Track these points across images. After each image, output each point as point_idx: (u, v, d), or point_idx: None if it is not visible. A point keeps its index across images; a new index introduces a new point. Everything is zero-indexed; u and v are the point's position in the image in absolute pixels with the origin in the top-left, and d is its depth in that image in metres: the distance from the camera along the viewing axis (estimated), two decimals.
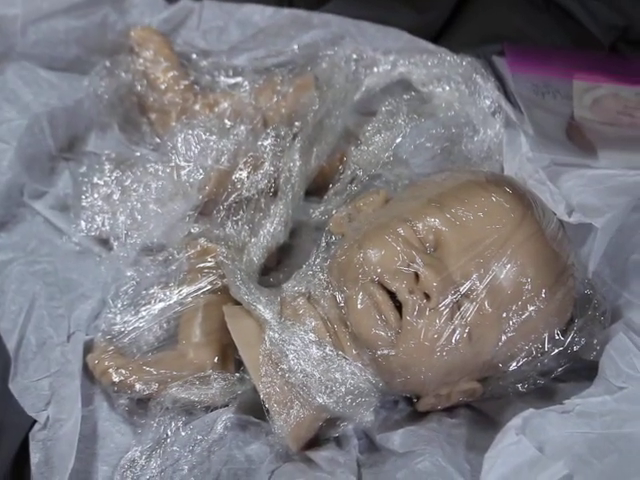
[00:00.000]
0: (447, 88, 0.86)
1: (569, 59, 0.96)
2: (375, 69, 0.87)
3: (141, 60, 0.87)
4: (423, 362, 0.65)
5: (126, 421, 0.70)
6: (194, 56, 0.90)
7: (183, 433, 0.68)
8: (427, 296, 0.64)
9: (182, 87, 0.87)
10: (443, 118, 0.85)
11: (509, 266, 0.65)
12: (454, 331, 0.65)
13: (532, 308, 0.66)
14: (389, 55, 0.87)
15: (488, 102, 0.85)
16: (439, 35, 0.99)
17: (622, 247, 0.75)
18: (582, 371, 0.72)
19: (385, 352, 0.65)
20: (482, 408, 0.74)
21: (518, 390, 0.71)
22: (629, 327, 0.69)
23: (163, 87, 0.87)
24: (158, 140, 0.86)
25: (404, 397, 0.74)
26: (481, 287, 0.65)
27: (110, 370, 0.70)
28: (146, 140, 0.88)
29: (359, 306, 0.66)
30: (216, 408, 0.70)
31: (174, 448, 0.67)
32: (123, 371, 0.69)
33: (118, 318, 0.75)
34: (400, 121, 0.83)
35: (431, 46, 0.89)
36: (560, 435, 0.61)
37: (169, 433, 0.68)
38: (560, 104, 0.89)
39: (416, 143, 0.84)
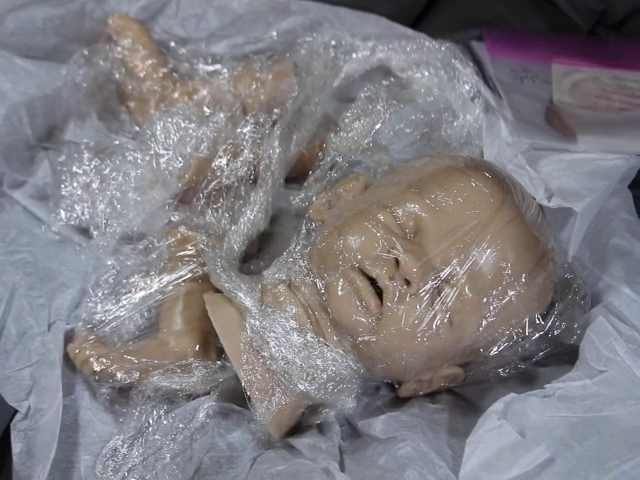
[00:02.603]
0: (426, 74, 0.86)
1: (548, 43, 0.96)
2: (354, 55, 0.87)
3: (119, 48, 0.86)
4: (404, 348, 0.66)
5: (108, 410, 0.70)
6: (172, 44, 0.89)
7: (165, 421, 0.68)
8: (407, 282, 0.65)
9: (161, 75, 0.86)
10: (422, 104, 0.85)
11: (489, 251, 0.66)
12: (435, 316, 0.65)
13: (512, 293, 0.66)
14: (368, 41, 0.87)
15: (467, 87, 0.85)
16: (418, 21, 0.99)
17: (601, 231, 0.75)
18: (563, 355, 0.73)
19: (366, 338, 0.65)
20: (464, 393, 0.74)
21: (499, 375, 0.72)
22: (609, 311, 0.70)
23: (142, 75, 0.86)
24: (137, 128, 0.86)
25: (386, 383, 0.74)
26: (461, 272, 0.65)
27: (91, 359, 0.69)
28: (125, 128, 0.87)
29: (339, 292, 0.66)
30: (198, 396, 0.70)
31: (156, 437, 0.68)
32: (104, 360, 0.69)
33: (99, 307, 0.75)
34: (379, 107, 0.83)
35: (410, 31, 0.89)
36: (541, 419, 0.62)
37: (151, 422, 0.68)
38: (539, 88, 0.89)
39: (395, 129, 0.84)
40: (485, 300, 0.66)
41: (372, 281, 0.66)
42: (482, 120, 0.83)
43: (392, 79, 0.88)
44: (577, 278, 0.73)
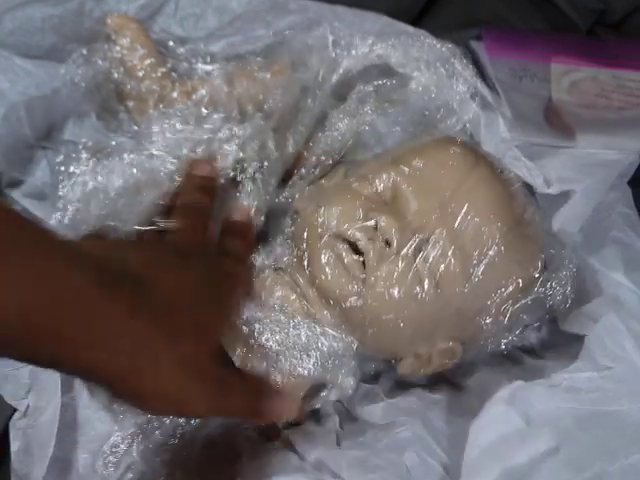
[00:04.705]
0: (425, 70, 0.86)
1: (547, 43, 0.96)
2: (352, 52, 0.86)
3: (118, 48, 0.86)
4: (391, 309, 0.66)
5: (106, 409, 0.70)
6: (171, 43, 0.89)
7: (165, 418, 0.68)
8: (388, 243, 0.65)
9: (159, 74, 0.86)
10: (418, 102, 0.85)
11: (466, 207, 0.67)
12: (417, 276, 0.66)
13: (494, 249, 0.67)
14: (367, 38, 0.87)
15: (466, 86, 0.85)
16: (417, 20, 0.99)
17: (600, 225, 0.76)
18: (561, 348, 0.73)
19: (353, 304, 0.66)
20: (462, 383, 0.74)
21: (501, 351, 0.71)
22: (621, 307, 0.70)
23: (140, 75, 0.86)
24: (136, 128, 0.86)
25: (385, 363, 0.74)
26: (440, 231, 0.66)
27: None
28: (124, 128, 0.87)
29: (323, 261, 0.67)
30: None
31: (156, 433, 0.68)
32: None
33: None
34: (367, 109, 0.83)
35: (410, 28, 0.89)
36: (547, 408, 0.63)
37: (153, 419, 0.68)
38: (538, 87, 0.89)
39: (389, 127, 0.84)
40: (467, 259, 0.66)
41: (354, 247, 0.66)
42: (480, 118, 0.83)
43: (387, 82, 0.88)
44: (564, 245, 0.73)
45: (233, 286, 0.64)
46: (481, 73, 0.88)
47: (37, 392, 0.69)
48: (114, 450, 0.67)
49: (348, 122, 0.83)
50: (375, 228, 0.66)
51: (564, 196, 0.73)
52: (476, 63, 0.89)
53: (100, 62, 0.86)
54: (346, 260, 0.66)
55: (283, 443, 0.69)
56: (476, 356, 0.74)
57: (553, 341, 0.73)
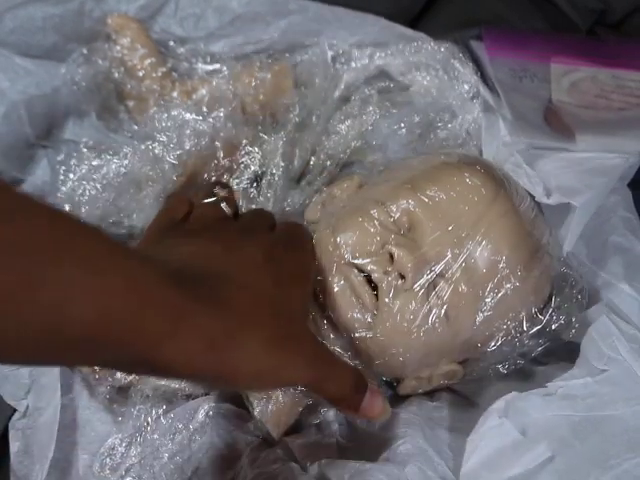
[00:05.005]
0: (426, 76, 0.86)
1: (547, 43, 0.96)
2: (353, 64, 0.87)
3: (118, 47, 0.86)
4: (400, 343, 0.66)
5: (106, 409, 0.70)
6: (171, 43, 0.89)
7: (164, 421, 0.68)
8: (402, 276, 0.65)
9: (160, 74, 0.86)
10: (420, 104, 0.86)
11: (483, 244, 0.66)
12: (430, 311, 0.65)
13: (508, 286, 0.67)
14: (365, 49, 0.88)
15: (466, 87, 0.86)
16: (416, 20, 0.99)
17: (600, 229, 0.76)
18: (562, 354, 0.73)
19: (363, 334, 0.66)
20: (463, 391, 0.74)
21: (499, 371, 0.72)
22: (611, 309, 0.70)
23: (141, 74, 0.86)
24: (136, 127, 0.86)
25: (385, 382, 0.74)
26: (456, 266, 0.65)
27: None
28: (124, 127, 0.87)
29: (335, 289, 0.66)
30: (197, 396, 0.70)
31: (154, 436, 0.68)
32: None
33: None
34: (370, 109, 0.83)
35: (409, 31, 0.89)
36: (542, 418, 0.62)
37: (150, 421, 0.68)
38: (538, 88, 0.89)
39: (392, 129, 0.84)
40: (480, 293, 0.66)
41: (368, 277, 0.66)
42: (481, 120, 0.83)
43: (390, 84, 0.88)
44: (574, 272, 0.73)
45: (306, 258, 0.63)
46: (481, 73, 0.88)
47: (37, 393, 0.69)
48: (112, 453, 0.67)
49: (351, 123, 0.84)
50: (390, 258, 0.66)
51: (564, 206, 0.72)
52: (476, 63, 0.89)
53: (100, 62, 0.86)
54: (359, 291, 0.66)
55: (284, 450, 0.69)
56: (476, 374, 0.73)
57: (553, 348, 0.73)
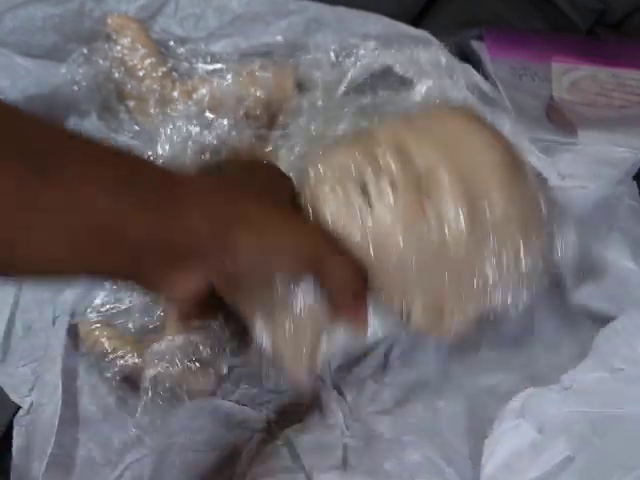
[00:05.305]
0: (428, 73, 0.87)
1: (547, 43, 0.96)
2: (357, 61, 0.87)
3: (118, 47, 0.86)
4: (395, 252, 0.64)
5: (109, 406, 0.70)
6: (172, 43, 0.89)
7: (167, 419, 0.68)
8: (394, 185, 0.64)
9: (160, 74, 0.86)
10: (423, 102, 0.85)
11: (471, 158, 0.65)
12: (424, 222, 0.64)
13: (496, 194, 0.65)
14: (369, 46, 0.87)
15: (468, 86, 0.86)
16: (417, 20, 0.99)
17: (607, 217, 0.75)
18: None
19: (358, 244, 0.64)
20: (470, 385, 0.74)
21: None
22: (634, 305, 0.70)
23: (141, 74, 0.86)
24: (136, 127, 0.86)
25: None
26: (446, 176, 0.64)
27: (102, 339, 0.70)
28: (124, 127, 0.87)
29: (329, 197, 0.65)
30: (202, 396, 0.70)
31: (159, 435, 0.68)
32: (115, 341, 0.69)
33: (106, 303, 0.74)
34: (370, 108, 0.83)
35: (412, 30, 0.89)
36: (560, 414, 0.61)
37: (155, 419, 0.68)
38: (539, 86, 0.90)
39: None
40: (473, 202, 0.64)
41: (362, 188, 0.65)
42: (485, 117, 0.83)
43: (395, 82, 0.88)
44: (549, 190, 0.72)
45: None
46: (482, 73, 0.89)
47: (40, 389, 0.69)
48: (113, 450, 0.67)
49: (351, 123, 0.83)
50: (380, 169, 0.65)
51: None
52: (477, 63, 0.90)
53: (101, 62, 0.86)
54: (352, 198, 0.65)
55: (285, 444, 0.69)
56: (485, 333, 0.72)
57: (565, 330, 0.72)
